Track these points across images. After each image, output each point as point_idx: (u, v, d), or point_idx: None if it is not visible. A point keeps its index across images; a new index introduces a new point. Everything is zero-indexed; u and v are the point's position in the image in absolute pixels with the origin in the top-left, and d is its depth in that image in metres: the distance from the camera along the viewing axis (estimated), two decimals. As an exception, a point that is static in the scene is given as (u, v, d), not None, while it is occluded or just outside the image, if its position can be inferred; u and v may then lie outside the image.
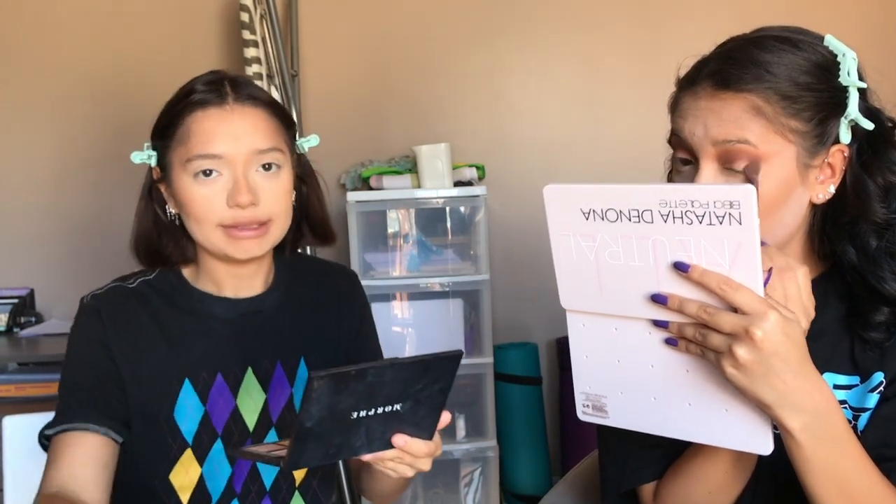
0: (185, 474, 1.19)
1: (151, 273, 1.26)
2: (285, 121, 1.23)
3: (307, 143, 1.29)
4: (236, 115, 1.16)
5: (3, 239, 2.99)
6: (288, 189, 1.20)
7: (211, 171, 1.14)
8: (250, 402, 1.23)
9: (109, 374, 1.18)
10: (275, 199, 1.17)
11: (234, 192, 1.13)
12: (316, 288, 1.33)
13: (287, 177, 1.20)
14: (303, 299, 1.31)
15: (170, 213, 1.21)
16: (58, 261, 2.97)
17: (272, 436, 1.24)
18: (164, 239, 1.23)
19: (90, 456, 1.13)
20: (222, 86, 1.18)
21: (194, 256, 1.24)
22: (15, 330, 2.79)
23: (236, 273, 1.23)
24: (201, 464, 1.19)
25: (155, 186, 1.22)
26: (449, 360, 0.90)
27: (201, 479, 1.19)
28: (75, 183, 2.97)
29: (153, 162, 1.21)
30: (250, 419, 1.22)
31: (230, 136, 1.14)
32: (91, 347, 1.19)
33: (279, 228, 1.19)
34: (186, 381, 1.20)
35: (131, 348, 1.19)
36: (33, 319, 2.87)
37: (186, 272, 1.27)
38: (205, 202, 1.14)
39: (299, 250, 1.36)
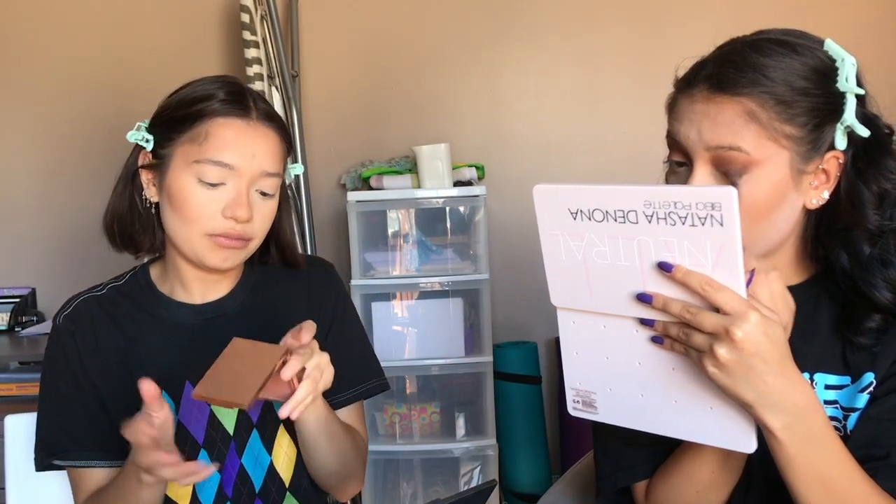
0: (175, 487, 1.19)
1: (122, 279, 1.27)
2: (288, 147, 1.24)
3: (294, 170, 1.32)
4: (259, 132, 1.16)
5: (4, 238, 3.01)
6: (273, 213, 1.22)
7: (216, 183, 1.14)
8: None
9: (95, 402, 1.20)
10: (262, 221, 1.19)
11: (234, 205, 1.14)
12: (287, 284, 1.32)
13: (276, 202, 1.21)
14: (270, 298, 1.29)
15: (147, 200, 1.20)
16: (59, 260, 2.99)
17: (255, 436, 1.23)
18: (136, 224, 1.22)
19: (109, 478, 1.19)
20: (245, 98, 1.18)
21: (162, 250, 1.24)
22: (16, 329, 2.81)
23: (204, 277, 1.24)
24: None
25: (138, 170, 1.21)
26: (484, 493, 0.98)
27: (193, 492, 1.20)
28: (77, 182, 2.98)
29: (149, 147, 1.19)
30: (229, 423, 1.22)
31: (247, 152, 1.15)
32: (73, 377, 1.20)
33: (255, 247, 1.21)
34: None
35: (105, 367, 1.20)
36: (35, 319, 2.89)
37: (154, 272, 1.27)
38: (200, 206, 1.14)
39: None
